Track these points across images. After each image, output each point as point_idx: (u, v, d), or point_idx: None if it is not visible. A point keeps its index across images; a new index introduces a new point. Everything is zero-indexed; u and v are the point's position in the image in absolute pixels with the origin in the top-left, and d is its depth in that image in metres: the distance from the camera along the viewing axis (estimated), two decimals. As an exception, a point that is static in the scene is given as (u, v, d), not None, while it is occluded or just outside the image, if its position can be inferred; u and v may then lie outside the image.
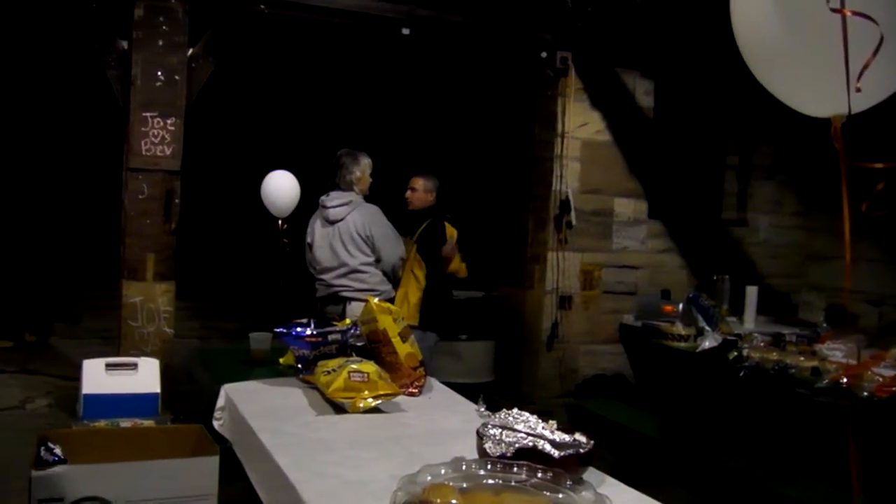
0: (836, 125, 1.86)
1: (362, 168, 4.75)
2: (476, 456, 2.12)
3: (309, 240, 4.79)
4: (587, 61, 6.08)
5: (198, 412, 4.66)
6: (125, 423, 3.05)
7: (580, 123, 6.05)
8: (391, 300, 4.56)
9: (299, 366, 3.03)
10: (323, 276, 4.70)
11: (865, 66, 1.69)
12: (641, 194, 6.31)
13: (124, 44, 4.89)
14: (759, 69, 1.98)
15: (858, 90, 1.71)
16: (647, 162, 6.30)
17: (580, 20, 5.90)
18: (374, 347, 2.99)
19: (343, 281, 4.61)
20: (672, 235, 6.47)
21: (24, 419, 5.34)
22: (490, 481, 1.86)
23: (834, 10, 1.67)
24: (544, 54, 5.91)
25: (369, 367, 2.72)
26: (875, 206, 1.78)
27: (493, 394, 5.80)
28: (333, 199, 4.69)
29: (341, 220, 4.64)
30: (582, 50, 6.04)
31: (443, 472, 1.87)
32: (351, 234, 4.61)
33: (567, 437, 2.14)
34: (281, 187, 4.92)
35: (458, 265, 5.24)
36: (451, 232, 5.17)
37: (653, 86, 6.35)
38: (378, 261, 4.68)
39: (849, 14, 1.67)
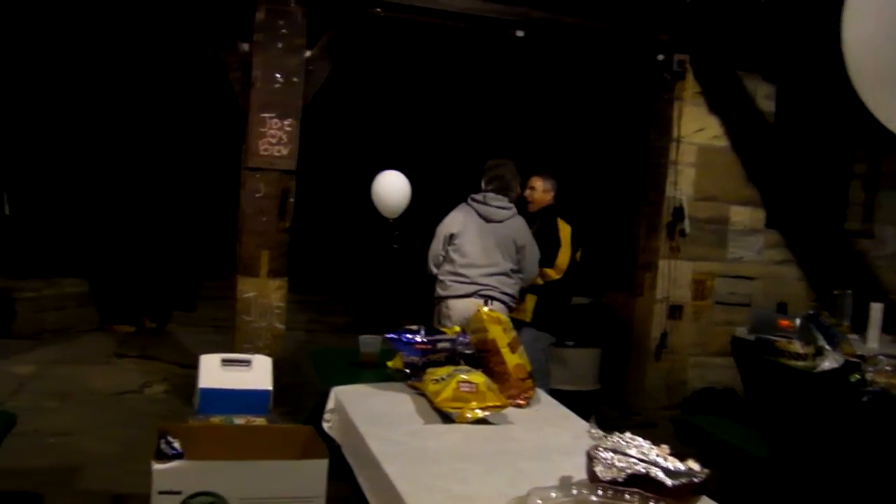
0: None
1: (519, 184, 4.82)
2: (584, 477, 2.08)
3: (455, 230, 4.60)
4: (706, 64, 5.91)
5: (306, 406, 4.80)
6: (239, 420, 3.14)
7: (697, 128, 5.89)
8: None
9: (408, 371, 3.05)
10: (466, 272, 4.53)
11: None
12: (759, 202, 6.10)
13: (245, 46, 5.04)
14: (871, 99, 1.84)
15: None
16: (767, 169, 6.07)
17: (699, 21, 5.72)
18: (482, 357, 2.98)
19: (490, 280, 4.52)
20: (790, 246, 6.22)
21: (143, 403, 5.59)
22: (601, 509, 1.82)
23: None
24: (661, 57, 5.78)
25: (478, 377, 2.71)
26: None
27: (597, 403, 5.76)
28: (497, 201, 4.65)
29: (501, 222, 4.62)
30: (700, 52, 5.87)
31: (553, 495, 1.84)
32: (507, 239, 4.60)
33: (680, 465, 2.07)
34: (392, 188, 4.94)
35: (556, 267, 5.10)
36: (564, 228, 5.09)
37: (774, 90, 6.12)
38: (519, 271, 4.66)
39: None
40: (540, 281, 5.00)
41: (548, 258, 5.01)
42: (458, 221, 4.62)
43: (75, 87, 8.37)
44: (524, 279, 4.73)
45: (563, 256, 5.03)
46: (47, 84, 8.25)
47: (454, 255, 4.58)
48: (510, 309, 4.53)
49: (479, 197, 4.69)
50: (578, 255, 5.14)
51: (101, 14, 6.75)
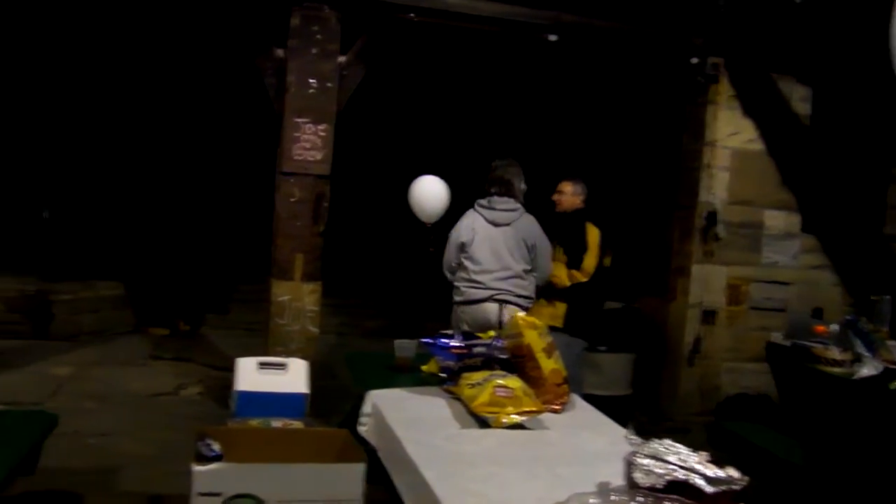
0: None
1: (523, 181, 4.78)
2: (623, 483, 2.07)
3: (464, 239, 4.66)
4: (740, 67, 5.86)
5: (339, 410, 4.82)
6: (276, 423, 3.17)
7: (731, 132, 5.84)
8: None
9: (443, 375, 3.07)
10: (480, 278, 4.59)
11: None
12: (794, 207, 6.03)
13: (280, 52, 5.09)
14: None
15: None
16: (802, 172, 6.00)
17: (733, 24, 5.68)
18: (517, 362, 2.98)
19: (503, 284, 4.56)
20: (827, 251, 6.15)
21: (178, 405, 5.66)
22: (641, 515, 1.81)
23: None
24: (695, 60, 5.75)
25: (515, 382, 2.72)
26: None
27: (630, 408, 5.73)
28: (503, 203, 4.67)
29: (508, 224, 4.63)
30: (734, 55, 5.82)
31: (592, 502, 1.84)
32: (517, 240, 4.61)
33: (720, 472, 2.05)
34: (430, 192, 4.93)
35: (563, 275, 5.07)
36: (593, 232, 5.08)
37: (810, 92, 6.05)
38: (533, 270, 4.67)
39: None
40: (567, 283, 4.99)
41: (575, 261, 5.01)
42: (467, 229, 4.67)
43: (111, 93, 8.51)
44: (539, 277, 4.72)
45: (590, 260, 5.02)
46: (83, 90, 8.40)
47: (467, 263, 4.64)
48: (525, 311, 4.53)
49: (484, 202, 4.71)
50: (608, 260, 5.12)
51: (140, 21, 6.85)
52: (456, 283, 4.71)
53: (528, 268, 4.65)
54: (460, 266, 4.69)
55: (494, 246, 4.60)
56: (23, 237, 8.03)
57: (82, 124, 8.58)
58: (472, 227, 4.66)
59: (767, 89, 5.96)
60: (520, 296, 4.59)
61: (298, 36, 5.02)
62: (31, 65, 8.11)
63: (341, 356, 5.15)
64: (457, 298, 4.69)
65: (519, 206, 4.70)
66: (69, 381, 5.87)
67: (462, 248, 4.66)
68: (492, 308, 4.55)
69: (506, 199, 4.68)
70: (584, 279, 5.01)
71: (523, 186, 4.76)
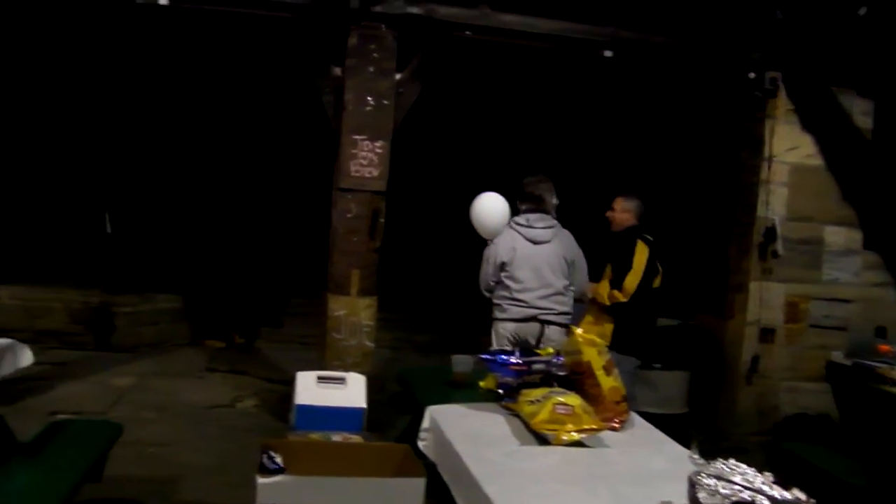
0: None
1: (555, 196, 4.78)
2: (685, 503, 2.06)
3: (505, 259, 4.65)
4: (798, 81, 5.78)
5: (392, 424, 4.85)
6: (336, 437, 3.20)
7: (789, 147, 5.77)
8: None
9: (501, 392, 3.07)
10: (522, 297, 4.60)
11: None
12: (856, 223, 5.91)
13: (338, 71, 5.17)
14: None
15: None
16: (864, 188, 5.88)
17: (791, 38, 5.62)
18: (576, 379, 2.98)
19: (545, 303, 4.58)
20: (890, 268, 6.00)
21: (234, 417, 5.73)
22: (709, 536, 1.80)
23: None
24: (752, 75, 5.70)
25: (574, 399, 2.71)
26: None
27: (686, 427, 5.65)
28: (540, 221, 4.68)
29: (548, 241, 4.64)
30: (793, 69, 5.75)
31: (658, 522, 1.83)
32: (558, 257, 4.62)
33: (786, 494, 2.03)
34: (492, 209, 4.91)
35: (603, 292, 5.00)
36: (641, 252, 4.98)
37: (872, 105, 5.94)
38: (571, 285, 4.67)
39: None
40: (607, 302, 4.93)
41: (617, 280, 4.92)
42: (507, 248, 4.65)
43: (171, 111, 8.72)
44: (575, 291, 4.74)
45: (632, 280, 4.86)
46: (143, 107, 8.63)
47: (508, 283, 4.64)
48: (566, 327, 4.50)
49: (521, 220, 4.70)
50: (658, 280, 4.98)
51: (202, 41, 7.02)
52: (496, 301, 4.71)
53: (567, 283, 4.66)
54: (499, 284, 4.68)
55: (535, 264, 4.61)
56: (87, 251, 8.24)
57: (144, 141, 8.81)
58: (513, 246, 4.65)
59: (827, 103, 5.87)
60: (560, 313, 4.61)
61: (356, 55, 5.10)
62: (93, 87, 8.36)
63: (395, 371, 5.17)
64: (498, 315, 4.70)
65: (555, 222, 4.72)
66: (130, 392, 6.00)
67: (502, 267, 4.66)
68: (534, 327, 4.58)
69: (541, 215, 4.69)
70: (624, 299, 4.86)
71: (555, 201, 4.76)
